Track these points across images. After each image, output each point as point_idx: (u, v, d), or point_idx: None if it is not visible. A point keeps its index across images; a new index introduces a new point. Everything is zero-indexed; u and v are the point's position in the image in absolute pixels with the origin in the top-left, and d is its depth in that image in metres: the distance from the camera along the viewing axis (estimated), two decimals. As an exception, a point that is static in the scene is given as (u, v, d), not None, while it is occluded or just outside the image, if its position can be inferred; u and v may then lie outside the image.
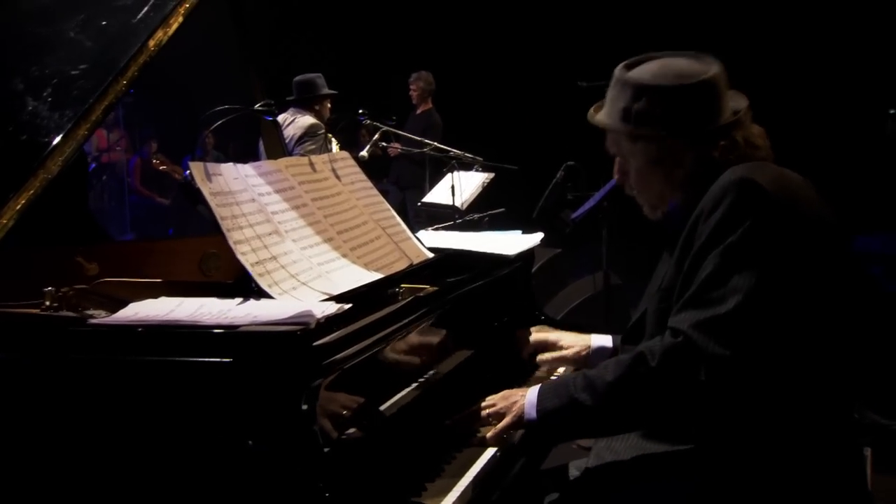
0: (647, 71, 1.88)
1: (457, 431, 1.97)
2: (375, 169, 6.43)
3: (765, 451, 1.72)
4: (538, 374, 2.45)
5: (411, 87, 7.48)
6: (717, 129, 1.83)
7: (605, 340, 2.28)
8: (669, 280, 1.82)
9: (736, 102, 1.89)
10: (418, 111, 7.47)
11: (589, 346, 2.28)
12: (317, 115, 5.87)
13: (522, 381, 2.40)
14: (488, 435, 1.92)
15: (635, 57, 1.92)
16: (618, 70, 1.91)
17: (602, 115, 1.93)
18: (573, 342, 2.31)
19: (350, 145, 7.06)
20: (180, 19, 2.14)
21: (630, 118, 1.86)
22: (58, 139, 1.96)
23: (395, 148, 6.13)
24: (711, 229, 1.71)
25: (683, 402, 1.70)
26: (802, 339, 1.70)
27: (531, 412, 1.85)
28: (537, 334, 2.40)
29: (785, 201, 1.71)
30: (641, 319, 1.94)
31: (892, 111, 8.72)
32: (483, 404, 1.97)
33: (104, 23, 2.17)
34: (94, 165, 9.39)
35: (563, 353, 2.31)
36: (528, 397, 1.87)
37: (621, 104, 1.87)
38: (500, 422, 1.90)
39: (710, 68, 1.86)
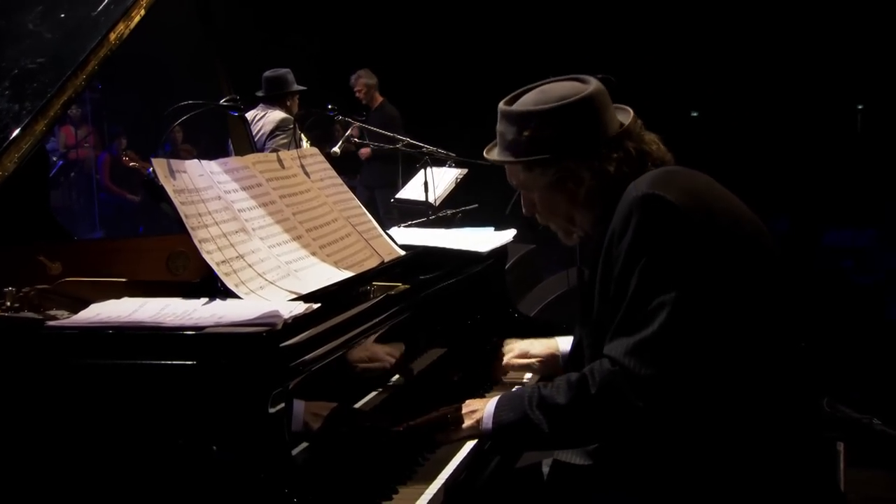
0: (527, 100, 1.89)
1: (419, 436, 1.93)
2: (347, 166, 6.36)
3: (727, 452, 1.71)
4: (508, 378, 2.40)
5: (355, 89, 7.37)
6: (607, 143, 1.83)
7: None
8: (598, 313, 1.81)
9: (622, 116, 1.90)
10: (373, 108, 7.38)
11: (557, 351, 2.27)
12: (286, 111, 5.86)
13: (495, 382, 2.37)
14: (443, 438, 1.89)
15: (514, 92, 1.94)
16: (500, 105, 1.92)
17: (494, 153, 1.95)
18: (540, 351, 2.30)
19: (324, 141, 6.99)
20: (142, 12, 2.09)
21: (520, 149, 1.87)
22: (14, 135, 1.90)
23: (367, 149, 6.01)
24: (625, 252, 1.71)
25: (625, 426, 1.72)
26: (737, 342, 1.69)
27: (488, 423, 1.86)
28: (509, 356, 2.34)
29: (693, 209, 1.70)
30: (581, 344, 1.95)
31: (860, 107, 8.84)
32: (444, 410, 1.94)
33: (63, 15, 2.11)
34: (61, 162, 9.22)
35: (531, 361, 2.30)
36: (487, 408, 1.87)
37: (509, 137, 1.88)
38: (457, 426, 1.89)
39: (589, 86, 1.87)
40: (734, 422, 1.70)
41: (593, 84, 1.87)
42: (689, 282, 1.66)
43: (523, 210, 2.01)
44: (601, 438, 1.82)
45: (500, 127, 1.92)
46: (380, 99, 7.39)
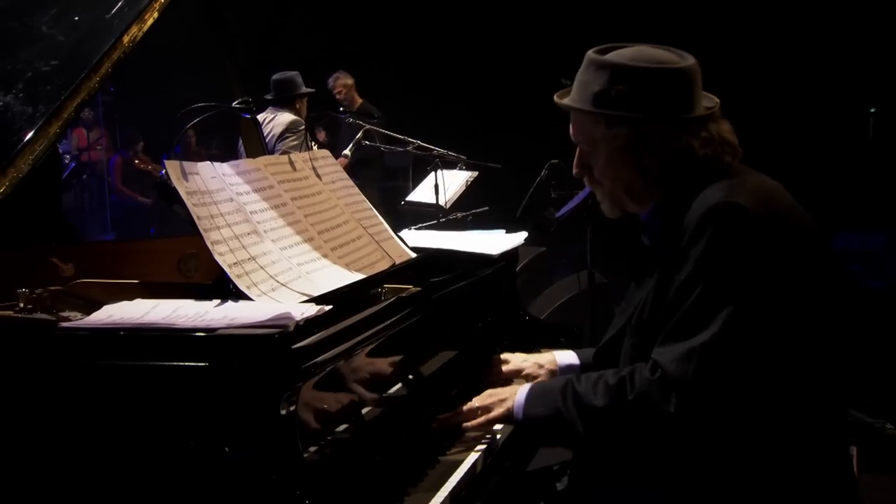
0: (623, 55, 1.81)
1: (443, 433, 1.93)
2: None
3: (754, 455, 1.70)
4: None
5: (335, 91, 7.31)
6: (695, 120, 1.79)
7: (570, 357, 2.24)
8: (649, 312, 1.78)
9: (707, 102, 1.86)
10: (353, 110, 7.29)
11: (555, 366, 2.22)
12: (296, 113, 5.86)
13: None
14: (472, 423, 1.90)
15: (605, 45, 1.86)
16: (590, 53, 1.84)
17: (573, 100, 1.85)
18: (535, 369, 2.23)
19: (337, 145, 6.98)
20: (155, 14, 2.10)
21: (607, 101, 1.78)
22: (28, 137, 1.91)
23: (343, 160, 5.92)
24: (695, 260, 1.68)
25: (659, 433, 1.70)
26: (786, 351, 1.68)
27: (518, 413, 1.85)
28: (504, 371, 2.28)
29: (768, 221, 1.68)
30: (616, 338, 1.92)
31: (872, 110, 8.79)
32: (470, 404, 1.94)
33: (77, 18, 2.12)
34: (73, 165, 9.26)
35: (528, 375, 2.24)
36: (517, 398, 1.86)
37: (596, 87, 1.79)
38: (487, 414, 1.89)
39: (687, 59, 1.83)
40: (761, 426, 1.69)
41: (691, 59, 1.82)
42: (752, 295, 1.64)
43: (574, 170, 1.93)
44: (635, 443, 1.77)
45: (583, 75, 1.82)
46: (359, 100, 7.31)
